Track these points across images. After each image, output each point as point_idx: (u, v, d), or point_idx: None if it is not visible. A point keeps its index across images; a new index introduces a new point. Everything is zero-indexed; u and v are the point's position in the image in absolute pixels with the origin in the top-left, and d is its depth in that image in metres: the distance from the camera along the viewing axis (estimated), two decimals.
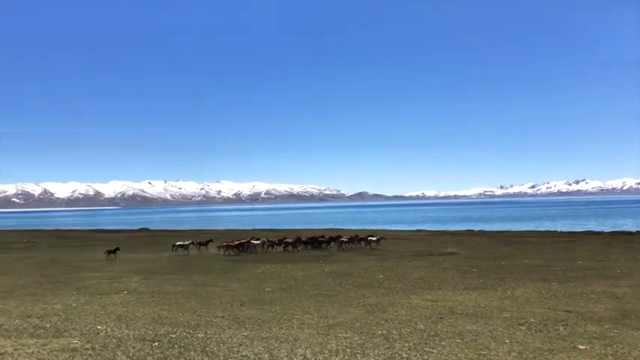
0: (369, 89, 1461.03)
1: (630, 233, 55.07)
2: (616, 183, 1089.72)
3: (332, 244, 40.22)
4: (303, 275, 24.47)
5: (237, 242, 37.75)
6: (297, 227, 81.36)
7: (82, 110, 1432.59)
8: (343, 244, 39.69)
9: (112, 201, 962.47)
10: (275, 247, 39.16)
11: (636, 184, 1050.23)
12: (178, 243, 38.01)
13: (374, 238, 40.12)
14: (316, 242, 39.91)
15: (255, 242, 38.66)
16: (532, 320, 13.89)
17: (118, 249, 35.87)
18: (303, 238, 41.08)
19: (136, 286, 21.57)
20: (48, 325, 13.40)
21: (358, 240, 40.60)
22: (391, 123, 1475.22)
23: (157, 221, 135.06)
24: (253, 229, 73.04)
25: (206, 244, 39.44)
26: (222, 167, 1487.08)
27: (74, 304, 16.94)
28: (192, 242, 38.89)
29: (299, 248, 38.93)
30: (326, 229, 67.77)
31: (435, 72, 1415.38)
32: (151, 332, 12.56)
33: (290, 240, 39.93)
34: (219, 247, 37.26)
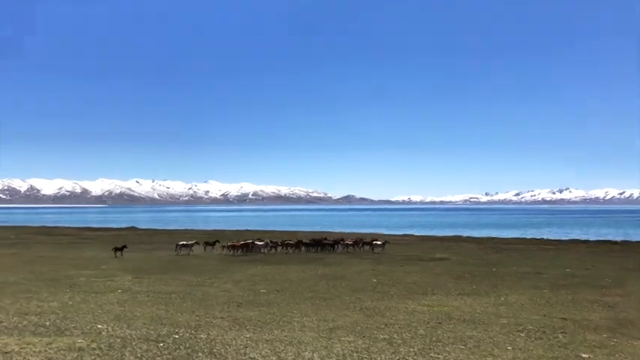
0: (359, 93, 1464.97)
1: (615, 242, 55.67)
2: (599, 193, 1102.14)
3: (337, 246, 39.94)
4: (297, 277, 24.47)
5: (242, 242, 37.87)
6: (288, 229, 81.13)
7: (70, 107, 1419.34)
8: (348, 247, 39.52)
9: (99, 199, 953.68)
10: (278, 248, 38.94)
11: (618, 194, 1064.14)
12: (182, 242, 37.73)
13: (379, 242, 39.74)
14: (320, 245, 39.67)
15: (259, 243, 38.70)
16: (530, 327, 14.05)
17: (125, 246, 35.59)
18: (305, 240, 40.86)
19: (130, 285, 21.46)
20: (48, 323, 13.30)
21: (363, 243, 40.37)
22: (380, 127, 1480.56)
23: (144, 220, 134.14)
24: (246, 230, 72.80)
25: (213, 244, 39.33)
26: (210, 167, 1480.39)
27: (70, 302, 16.82)
28: (196, 242, 38.70)
29: (303, 250, 38.84)
30: (327, 231, 67.77)
31: (426, 76, 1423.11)
32: (153, 332, 12.53)
33: (291, 242, 39.79)
34: (224, 247, 37.26)
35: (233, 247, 36.56)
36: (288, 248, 38.73)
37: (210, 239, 41.63)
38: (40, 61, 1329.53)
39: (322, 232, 66.33)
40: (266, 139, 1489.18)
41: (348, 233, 60.51)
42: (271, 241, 39.70)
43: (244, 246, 37.09)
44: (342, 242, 40.59)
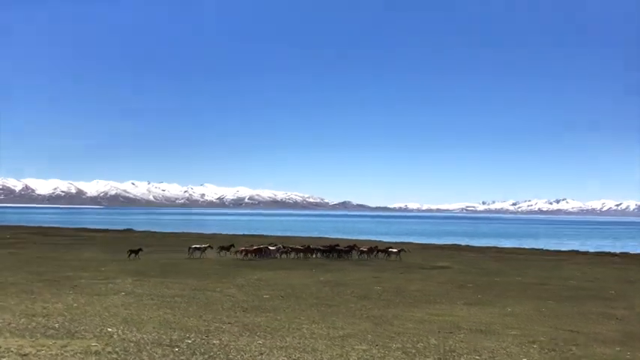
0: (358, 99, 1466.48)
1: (615, 254, 55.74)
2: (595, 204, 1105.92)
3: (352, 252, 39.70)
4: (299, 283, 24.34)
5: (255, 247, 38.14)
6: (287, 235, 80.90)
7: (67, 106, 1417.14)
8: (362, 254, 39.36)
9: (95, 200, 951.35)
10: (289, 253, 38.85)
11: (615, 205, 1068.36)
12: (195, 246, 38.20)
13: (394, 250, 39.45)
14: (335, 251, 39.49)
15: (271, 248, 38.92)
16: (542, 339, 13.96)
17: (140, 249, 35.97)
18: (319, 247, 40.71)
19: (132, 288, 21.29)
20: (57, 325, 13.13)
21: (378, 251, 40.12)
22: (378, 134, 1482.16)
23: (140, 222, 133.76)
24: (242, 235, 72.59)
25: (228, 248, 39.52)
26: (206, 171, 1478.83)
27: (75, 304, 16.66)
28: (209, 246, 39.01)
29: (317, 256, 38.76)
30: (325, 237, 67.67)
31: (424, 84, 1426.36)
32: (164, 337, 12.38)
33: (301, 247, 39.63)
34: (237, 251, 37.57)
35: (246, 251, 36.84)
36: (299, 253, 38.65)
37: (225, 243, 41.86)
38: (36, 59, 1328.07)
39: (319, 238, 66.14)
40: (263, 143, 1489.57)
41: (351, 240, 60.28)
42: (283, 246, 39.80)
43: (257, 251, 37.38)
44: (356, 249, 40.46)
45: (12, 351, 10.46)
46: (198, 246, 38.11)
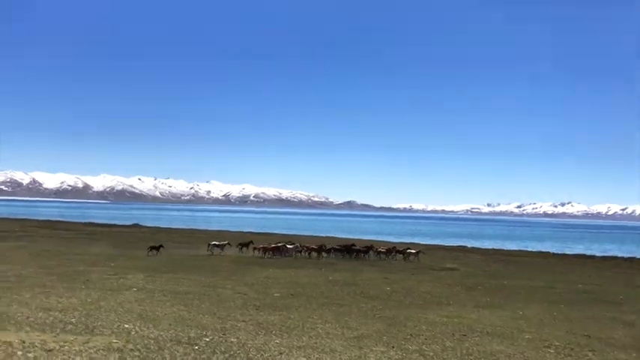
0: (365, 99, 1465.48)
1: (621, 259, 55.57)
2: (601, 208, 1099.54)
3: (369, 253, 39.76)
4: (309, 282, 24.36)
5: (273, 245, 38.57)
6: (294, 233, 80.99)
7: (75, 101, 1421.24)
8: (380, 255, 39.33)
9: (101, 195, 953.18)
10: (304, 252, 38.98)
11: (621, 210, 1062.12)
12: (214, 242, 38.80)
13: (413, 251, 39.42)
14: (351, 251, 39.49)
15: (289, 246, 39.22)
16: (556, 343, 13.93)
17: (162, 246, 36.39)
18: (335, 246, 40.78)
19: (143, 283, 21.36)
20: (74, 320, 13.17)
21: (396, 252, 40.09)
22: (383, 134, 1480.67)
23: (147, 218, 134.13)
24: (249, 233, 72.70)
25: (247, 245, 40.08)
26: (212, 167, 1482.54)
27: (89, 299, 16.72)
28: (228, 243, 39.58)
29: (332, 256, 38.88)
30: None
31: (430, 86, 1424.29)
32: (182, 334, 12.39)
33: (315, 246, 39.69)
34: (256, 248, 37.97)
35: (264, 249, 37.25)
36: (313, 252, 38.68)
37: (244, 240, 42.54)
38: (44, 54, 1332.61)
39: (324, 237, 66.07)
40: (269, 141, 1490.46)
41: (354, 240, 60.20)
42: (301, 245, 40.07)
43: (276, 249, 37.75)
44: (374, 250, 40.40)
45: (36, 346, 10.48)
46: (217, 243, 38.72)
